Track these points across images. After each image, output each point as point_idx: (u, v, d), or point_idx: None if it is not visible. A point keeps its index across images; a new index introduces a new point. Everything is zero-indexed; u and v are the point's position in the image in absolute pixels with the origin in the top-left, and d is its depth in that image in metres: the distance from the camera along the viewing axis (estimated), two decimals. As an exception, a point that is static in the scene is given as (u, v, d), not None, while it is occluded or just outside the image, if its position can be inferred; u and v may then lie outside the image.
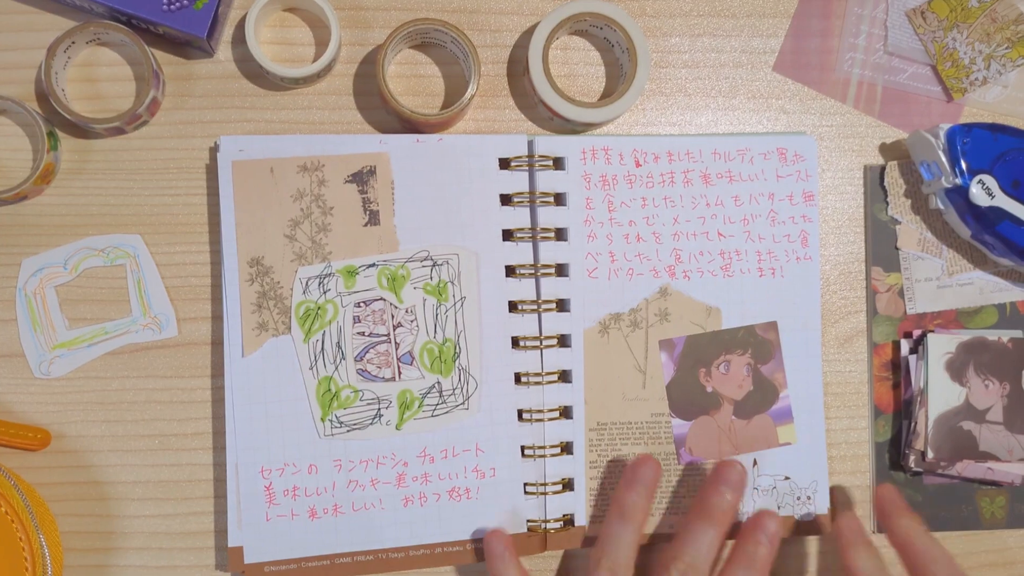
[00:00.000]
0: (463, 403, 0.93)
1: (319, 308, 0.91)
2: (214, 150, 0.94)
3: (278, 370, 0.91)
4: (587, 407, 0.95)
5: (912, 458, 0.98)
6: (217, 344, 0.94)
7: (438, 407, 0.93)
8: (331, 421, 0.92)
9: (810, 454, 0.97)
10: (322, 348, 0.91)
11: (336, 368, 0.92)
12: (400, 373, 0.93)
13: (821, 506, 0.97)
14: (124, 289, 0.93)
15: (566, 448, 0.95)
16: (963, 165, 0.94)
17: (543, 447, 0.94)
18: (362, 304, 0.92)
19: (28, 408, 0.92)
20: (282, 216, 0.91)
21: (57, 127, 0.93)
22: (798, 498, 0.97)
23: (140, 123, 0.93)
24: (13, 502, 0.85)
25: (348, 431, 0.92)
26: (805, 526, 0.97)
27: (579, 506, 0.95)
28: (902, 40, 1.01)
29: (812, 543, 0.99)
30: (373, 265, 0.92)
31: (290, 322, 0.91)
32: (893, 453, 0.99)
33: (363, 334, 0.92)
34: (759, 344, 0.97)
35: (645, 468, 0.90)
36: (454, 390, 0.93)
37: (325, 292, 0.92)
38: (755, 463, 0.96)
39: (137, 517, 0.93)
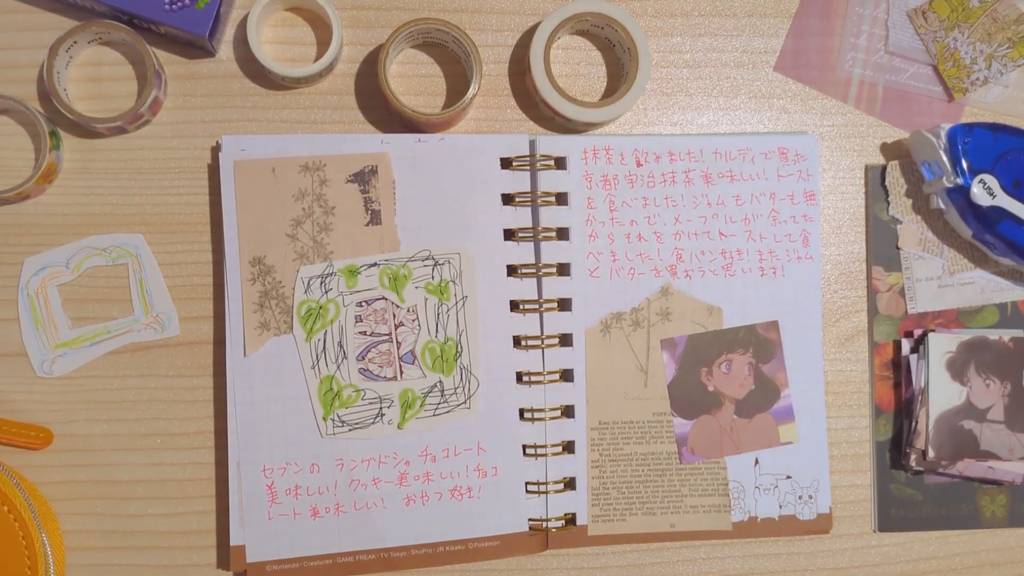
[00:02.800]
0: (465, 402, 0.93)
1: (321, 307, 0.92)
2: (216, 149, 0.94)
3: (280, 369, 0.91)
4: (589, 406, 0.95)
5: (913, 457, 0.98)
6: (219, 343, 0.94)
7: (440, 406, 0.93)
8: (333, 420, 0.92)
9: (811, 453, 0.97)
10: (324, 347, 0.91)
11: (338, 367, 0.92)
12: (402, 372, 0.93)
13: (823, 505, 0.98)
14: (126, 288, 0.93)
15: (568, 447, 0.95)
16: (964, 165, 0.94)
17: (544, 446, 0.94)
18: (364, 303, 0.92)
19: (30, 407, 0.92)
20: (284, 216, 0.92)
21: (59, 126, 0.93)
22: (799, 497, 0.97)
23: (142, 122, 0.94)
24: (15, 501, 0.85)
25: (350, 430, 0.92)
26: (807, 525, 0.97)
27: (581, 505, 0.95)
28: (903, 40, 1.01)
29: (814, 542, 0.99)
30: (375, 264, 0.92)
31: (292, 321, 0.91)
32: (894, 452, 1.00)
33: (365, 333, 0.92)
34: (760, 343, 0.97)
35: None
36: (456, 389, 0.93)
37: (327, 291, 0.92)
38: (756, 462, 0.96)
39: (139, 516, 0.93)
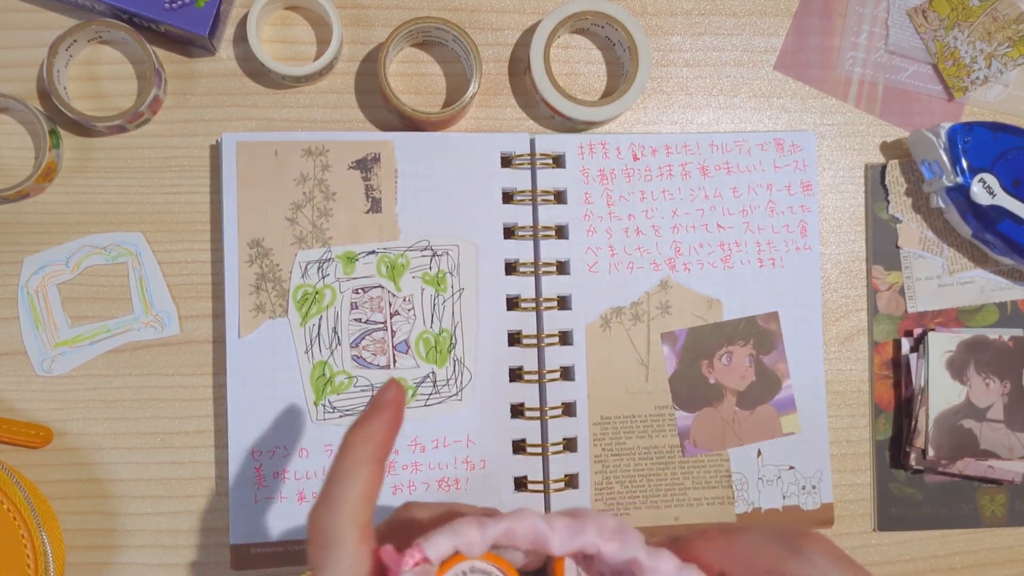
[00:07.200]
0: (456, 394, 0.93)
1: (317, 292, 0.92)
2: (216, 148, 0.94)
3: (273, 352, 0.91)
4: (590, 401, 0.94)
5: (913, 456, 0.98)
6: (219, 342, 0.94)
7: (431, 397, 0.93)
8: (324, 406, 0.92)
9: (814, 443, 0.97)
10: (318, 333, 0.91)
11: (331, 353, 0.92)
12: (395, 361, 0.93)
13: (825, 495, 0.97)
14: (126, 287, 0.93)
15: (568, 445, 0.95)
16: (964, 164, 0.94)
17: (537, 445, 0.94)
18: (360, 291, 0.92)
19: (30, 406, 0.92)
20: (284, 199, 0.92)
21: (59, 125, 0.93)
22: (803, 487, 0.97)
23: (142, 121, 0.94)
24: (15, 499, 0.85)
25: (341, 416, 0.92)
26: (810, 515, 0.97)
27: (584, 501, 0.94)
28: (903, 39, 1.01)
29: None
30: (373, 252, 0.92)
31: (287, 305, 0.91)
32: (894, 451, 0.99)
33: (360, 321, 0.92)
34: (761, 335, 0.97)
35: (388, 391, 0.64)
36: (448, 381, 0.93)
37: (324, 277, 0.92)
38: (759, 453, 0.96)
39: (139, 515, 0.93)
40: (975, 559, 1.01)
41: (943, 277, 1.00)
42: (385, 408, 0.62)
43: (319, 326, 0.92)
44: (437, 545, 0.55)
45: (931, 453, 0.97)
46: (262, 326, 0.91)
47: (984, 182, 0.94)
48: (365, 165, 0.93)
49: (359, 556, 0.56)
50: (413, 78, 0.97)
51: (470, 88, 0.93)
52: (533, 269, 0.94)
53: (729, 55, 1.01)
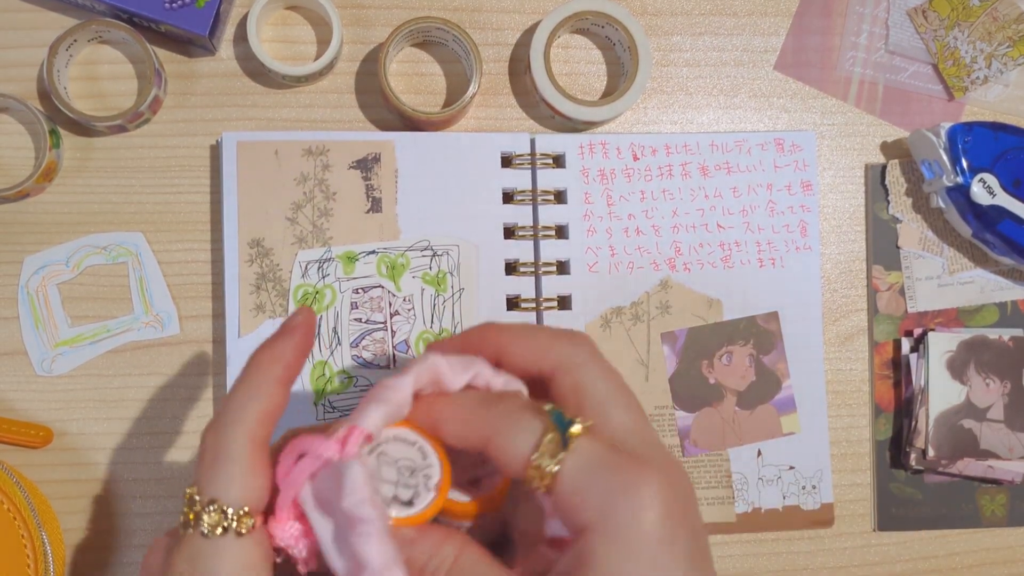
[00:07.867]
0: (455, 394, 0.93)
1: (317, 292, 0.92)
2: (216, 148, 0.94)
3: None
4: (590, 401, 0.95)
5: (913, 456, 0.98)
6: (219, 342, 0.94)
7: (431, 397, 0.93)
8: (324, 405, 0.91)
9: (814, 443, 0.97)
10: (318, 332, 0.91)
11: (331, 353, 0.92)
12: (395, 361, 0.93)
13: (825, 495, 0.97)
14: (126, 287, 0.93)
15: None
16: (964, 164, 0.94)
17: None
18: (360, 291, 0.92)
19: (30, 406, 0.92)
20: (284, 199, 0.92)
21: (59, 125, 0.93)
22: (803, 488, 0.97)
23: (142, 121, 0.94)
24: (15, 499, 0.85)
25: (340, 416, 0.92)
26: (810, 516, 0.97)
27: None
28: (903, 39, 1.01)
29: (813, 541, 0.99)
30: (373, 252, 0.92)
31: (288, 305, 0.91)
32: (894, 451, 0.99)
33: (360, 320, 0.92)
34: (761, 335, 0.97)
35: (298, 315, 0.62)
36: (447, 381, 0.93)
37: (324, 277, 0.92)
38: (759, 453, 0.96)
39: (139, 515, 0.93)
40: (975, 559, 1.00)
41: (943, 277, 1.00)
42: (295, 330, 0.61)
43: (319, 326, 0.91)
44: (371, 417, 0.53)
45: (931, 453, 0.97)
46: (262, 326, 0.91)
47: (984, 182, 0.93)
48: (365, 165, 0.93)
49: (253, 472, 0.54)
50: (413, 78, 0.97)
51: (470, 88, 0.93)
52: (533, 269, 0.94)
53: (729, 55, 1.01)
